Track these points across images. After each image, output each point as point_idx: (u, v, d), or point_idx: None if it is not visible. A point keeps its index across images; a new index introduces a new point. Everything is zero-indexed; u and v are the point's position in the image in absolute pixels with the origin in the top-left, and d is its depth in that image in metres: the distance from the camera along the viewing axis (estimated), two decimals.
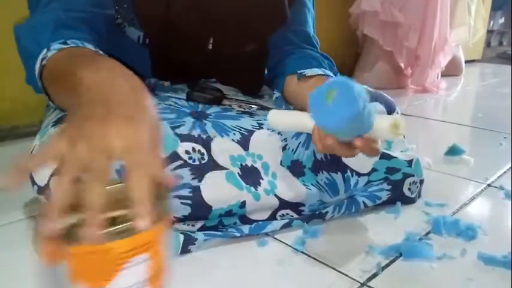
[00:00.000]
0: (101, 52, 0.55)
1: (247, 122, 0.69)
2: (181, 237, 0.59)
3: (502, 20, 3.90)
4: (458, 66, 2.28)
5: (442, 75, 2.00)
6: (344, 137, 0.52)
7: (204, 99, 0.77)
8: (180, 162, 0.59)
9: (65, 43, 0.54)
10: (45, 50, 0.53)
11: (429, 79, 1.88)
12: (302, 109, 0.68)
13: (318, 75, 0.71)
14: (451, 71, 2.17)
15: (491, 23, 3.55)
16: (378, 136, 0.52)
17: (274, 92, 0.80)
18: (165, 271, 0.44)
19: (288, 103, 0.77)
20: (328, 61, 0.77)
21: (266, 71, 0.86)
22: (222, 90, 0.82)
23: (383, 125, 0.50)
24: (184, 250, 0.59)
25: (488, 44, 3.55)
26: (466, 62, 2.37)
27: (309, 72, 0.71)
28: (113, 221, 0.39)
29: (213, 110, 0.74)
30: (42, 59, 0.53)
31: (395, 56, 1.88)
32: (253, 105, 0.80)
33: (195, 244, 0.59)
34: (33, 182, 0.55)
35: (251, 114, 0.73)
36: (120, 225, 0.38)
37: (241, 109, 0.77)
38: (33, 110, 1.11)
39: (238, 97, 0.84)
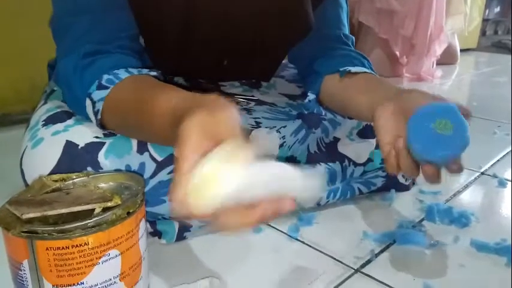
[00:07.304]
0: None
1: (244, 121, 0.67)
2: (176, 224, 0.59)
3: (497, 9, 3.88)
4: (454, 55, 2.28)
5: (437, 64, 1.99)
6: (440, 164, 0.51)
7: None
8: None
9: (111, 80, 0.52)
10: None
11: (424, 67, 1.88)
12: (344, 109, 0.67)
13: (364, 72, 0.66)
14: (446, 59, 2.16)
15: (487, 11, 3.53)
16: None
17: (308, 94, 0.72)
18: (140, 266, 0.43)
19: (323, 106, 0.71)
20: (366, 61, 0.70)
21: (297, 73, 0.83)
22: (218, 81, 0.81)
23: None
24: (180, 237, 0.59)
25: (483, 32, 3.54)
26: (461, 50, 2.36)
27: (353, 69, 0.66)
28: (86, 215, 0.38)
29: None
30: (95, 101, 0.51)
31: (391, 44, 1.87)
32: (250, 101, 0.78)
33: (190, 231, 0.59)
34: (23, 178, 0.53)
35: (248, 111, 0.72)
36: (94, 219, 0.38)
37: (238, 106, 0.76)
38: (25, 97, 1.10)
39: (234, 87, 0.83)
